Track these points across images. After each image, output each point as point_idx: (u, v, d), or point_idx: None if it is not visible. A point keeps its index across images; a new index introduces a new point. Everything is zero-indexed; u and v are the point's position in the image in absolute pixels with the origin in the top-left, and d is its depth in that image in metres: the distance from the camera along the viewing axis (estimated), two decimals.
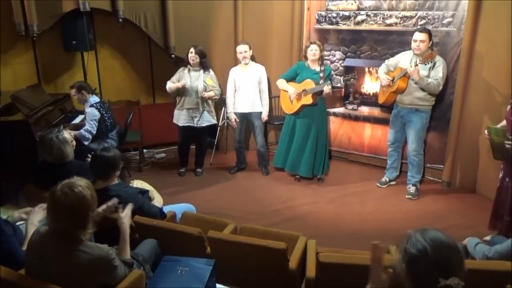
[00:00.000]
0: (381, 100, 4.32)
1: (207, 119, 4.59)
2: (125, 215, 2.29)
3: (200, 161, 4.91)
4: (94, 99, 4.24)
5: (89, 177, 2.27)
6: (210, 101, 4.56)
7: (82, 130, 4.06)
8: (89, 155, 3.01)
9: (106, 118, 4.22)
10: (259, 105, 4.68)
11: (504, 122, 3.26)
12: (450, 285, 1.18)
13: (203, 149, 4.90)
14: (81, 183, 1.81)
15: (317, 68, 4.33)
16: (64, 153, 2.92)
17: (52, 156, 2.91)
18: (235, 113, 4.70)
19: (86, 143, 4.02)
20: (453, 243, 1.28)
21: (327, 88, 4.14)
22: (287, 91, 4.44)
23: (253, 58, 4.73)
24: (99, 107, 4.18)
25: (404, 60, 4.09)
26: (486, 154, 4.06)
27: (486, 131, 3.24)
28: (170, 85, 4.49)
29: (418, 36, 3.89)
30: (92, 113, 4.11)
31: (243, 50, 4.53)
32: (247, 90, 4.64)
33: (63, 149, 2.91)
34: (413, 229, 1.34)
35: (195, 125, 4.56)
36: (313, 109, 4.37)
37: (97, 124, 4.11)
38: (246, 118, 4.76)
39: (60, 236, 1.79)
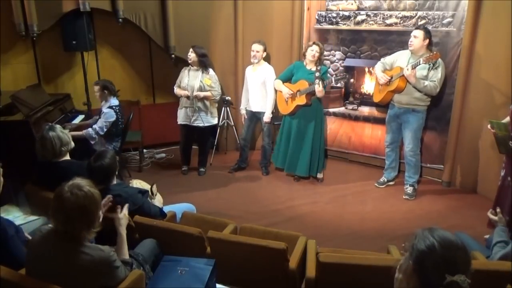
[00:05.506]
0: (377, 99, 4.32)
1: (205, 119, 4.57)
2: (123, 216, 2.30)
3: (203, 161, 4.91)
4: (115, 101, 4.23)
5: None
6: (207, 102, 4.54)
7: (90, 129, 4.04)
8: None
9: (120, 123, 4.23)
10: (264, 105, 4.66)
11: (507, 119, 3.27)
12: (456, 281, 1.18)
13: (205, 150, 4.90)
14: (86, 183, 1.83)
15: (313, 68, 4.32)
16: (56, 149, 2.81)
17: (45, 151, 2.82)
18: (246, 109, 4.79)
19: (92, 142, 4.01)
20: (461, 242, 1.28)
21: (317, 87, 4.12)
22: (281, 92, 4.45)
23: (267, 60, 4.74)
24: (117, 110, 4.17)
25: (401, 59, 4.10)
26: (486, 154, 4.06)
27: (489, 126, 3.27)
28: (177, 91, 4.58)
29: (413, 32, 3.98)
30: (110, 114, 4.10)
31: (254, 49, 4.55)
32: (253, 89, 4.69)
33: (55, 144, 2.80)
34: (421, 228, 1.35)
35: (191, 124, 4.57)
36: (309, 109, 4.36)
37: (108, 127, 4.12)
38: (255, 117, 4.79)
39: (62, 237, 1.78)
